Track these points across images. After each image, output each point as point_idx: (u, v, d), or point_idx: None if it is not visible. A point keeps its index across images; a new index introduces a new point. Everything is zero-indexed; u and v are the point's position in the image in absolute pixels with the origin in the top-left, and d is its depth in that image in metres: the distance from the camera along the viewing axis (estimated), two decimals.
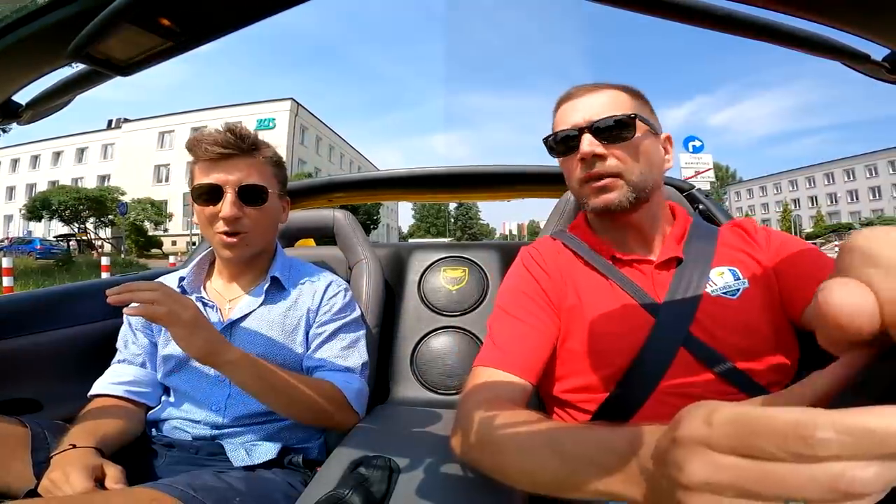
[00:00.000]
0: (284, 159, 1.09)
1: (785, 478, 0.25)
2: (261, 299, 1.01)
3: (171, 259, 15.49)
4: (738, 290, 0.73)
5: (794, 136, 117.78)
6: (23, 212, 25.80)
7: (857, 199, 47.82)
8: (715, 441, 0.27)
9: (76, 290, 1.23)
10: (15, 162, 39.51)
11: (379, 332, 1.30)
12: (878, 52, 0.35)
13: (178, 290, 1.03)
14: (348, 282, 1.22)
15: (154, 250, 26.05)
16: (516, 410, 0.59)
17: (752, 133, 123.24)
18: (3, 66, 0.38)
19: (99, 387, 0.98)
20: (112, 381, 0.98)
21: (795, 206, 52.67)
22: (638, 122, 0.73)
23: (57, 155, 38.46)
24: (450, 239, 45.02)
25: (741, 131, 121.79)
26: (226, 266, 1.06)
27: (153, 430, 0.98)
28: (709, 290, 0.73)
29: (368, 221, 30.50)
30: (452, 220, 63.00)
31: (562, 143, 0.78)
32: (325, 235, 1.50)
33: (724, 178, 61.95)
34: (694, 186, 1.48)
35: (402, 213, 66.03)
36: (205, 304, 1.02)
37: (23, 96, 0.42)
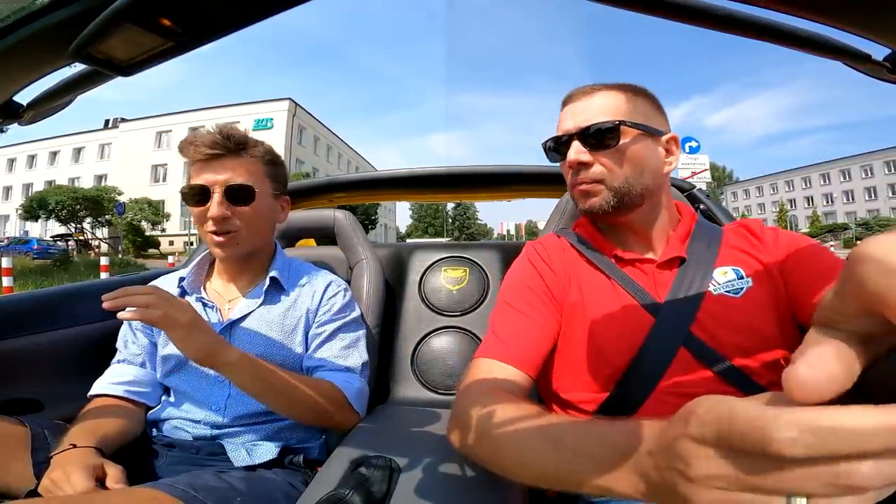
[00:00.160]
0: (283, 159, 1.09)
1: (783, 472, 0.25)
2: (260, 299, 1.01)
3: (170, 259, 15.43)
4: (741, 288, 0.73)
5: (791, 136, 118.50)
6: (19, 212, 25.72)
7: (853, 199, 47.95)
8: (711, 436, 0.28)
9: (76, 291, 1.23)
10: (11, 162, 39.34)
11: (379, 332, 1.30)
12: (879, 52, 0.35)
13: (178, 290, 1.04)
14: (349, 282, 1.22)
15: (151, 250, 25.95)
16: (516, 403, 0.58)
17: (749, 133, 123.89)
18: (4, 66, 0.38)
19: (99, 387, 0.97)
20: (112, 381, 0.98)
21: (792, 207, 52.82)
22: (625, 128, 0.73)
23: (54, 155, 38.30)
24: (447, 239, 45.04)
25: (738, 132, 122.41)
26: (224, 266, 1.06)
27: (153, 430, 0.98)
28: (711, 288, 0.73)
29: (366, 221, 30.49)
30: (450, 220, 63.03)
31: (555, 149, 0.80)
32: (325, 235, 1.50)
33: (721, 178, 62.17)
34: (695, 186, 1.49)
35: (400, 213, 66.08)
36: (205, 305, 1.01)
37: (24, 96, 0.42)
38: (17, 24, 0.35)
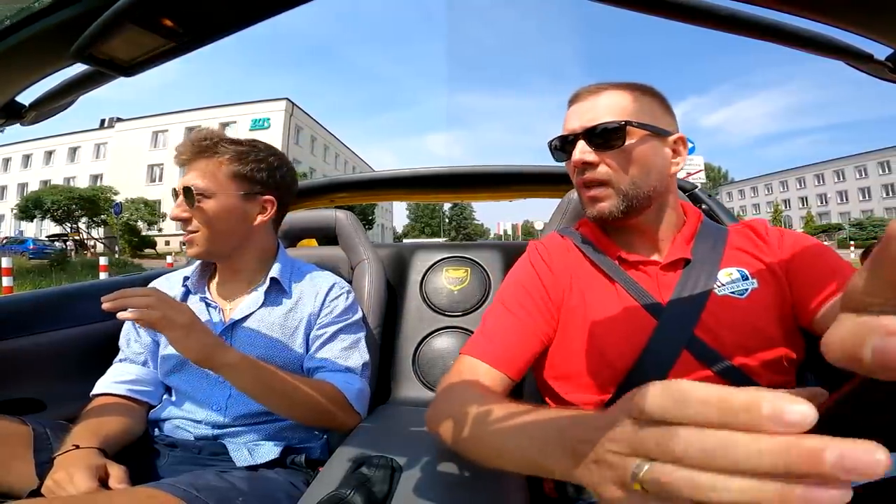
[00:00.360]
0: None
1: (645, 432, 0.27)
2: (261, 300, 1.01)
3: (169, 259, 15.36)
4: (746, 290, 0.72)
5: (787, 136, 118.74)
6: (15, 211, 25.60)
7: (846, 199, 48.12)
8: (627, 407, 0.31)
9: (76, 291, 1.24)
10: (6, 161, 39.10)
11: (381, 332, 1.30)
12: (880, 52, 0.35)
13: (182, 289, 1.04)
14: (350, 282, 1.22)
15: (147, 250, 25.86)
16: (488, 397, 0.62)
17: (744, 134, 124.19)
18: (6, 66, 0.38)
19: (101, 386, 0.98)
20: (114, 380, 0.98)
21: (786, 207, 52.91)
22: (631, 129, 0.72)
23: (49, 154, 38.08)
24: (444, 239, 45.01)
25: (734, 132, 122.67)
26: (220, 266, 1.06)
27: (155, 429, 0.98)
28: (716, 290, 0.73)
29: (364, 221, 30.24)
30: (447, 220, 63.02)
31: (560, 149, 0.79)
32: (326, 236, 1.50)
33: (717, 178, 62.26)
34: (697, 186, 1.48)
35: (397, 213, 66.09)
36: (208, 305, 1.02)
37: (26, 97, 0.42)
38: (19, 25, 0.35)
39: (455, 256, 1.54)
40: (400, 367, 1.40)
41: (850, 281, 0.25)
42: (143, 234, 26.99)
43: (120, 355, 1.04)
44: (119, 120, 36.89)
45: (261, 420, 0.95)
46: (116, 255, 20.28)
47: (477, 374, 0.72)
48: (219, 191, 0.96)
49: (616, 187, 0.74)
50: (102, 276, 9.28)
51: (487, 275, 1.49)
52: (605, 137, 0.72)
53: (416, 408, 1.17)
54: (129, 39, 0.33)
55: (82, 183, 31.91)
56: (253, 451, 0.91)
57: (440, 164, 1.97)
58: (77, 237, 23.96)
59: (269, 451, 0.92)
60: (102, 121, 37.93)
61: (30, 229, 31.48)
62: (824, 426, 0.24)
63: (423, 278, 1.52)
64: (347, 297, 1.07)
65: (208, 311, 1.01)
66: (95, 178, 34.84)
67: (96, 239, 25.21)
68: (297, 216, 1.46)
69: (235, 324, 0.99)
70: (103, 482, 0.75)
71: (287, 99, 34.61)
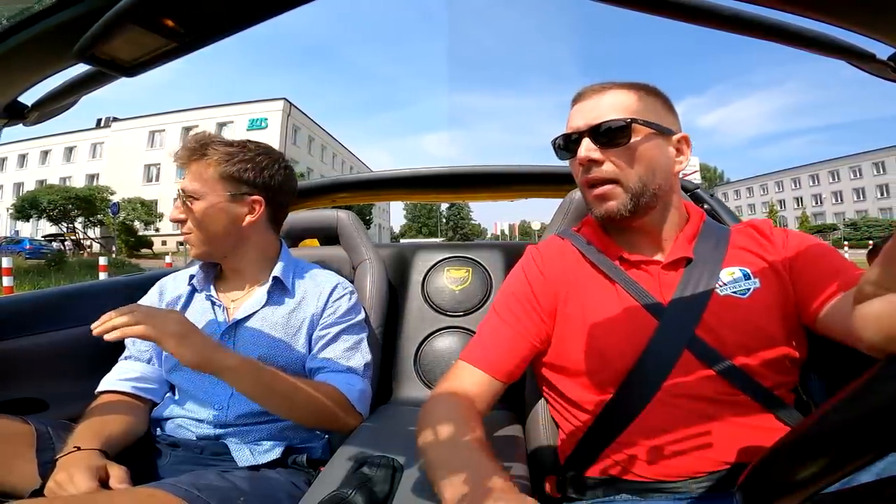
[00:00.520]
0: None
1: None
2: (264, 300, 1.01)
3: (167, 259, 15.32)
4: (748, 289, 0.72)
5: (783, 137, 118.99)
6: (10, 211, 25.50)
7: (841, 200, 48.30)
8: None
9: (76, 291, 1.25)
10: (2, 161, 38.94)
11: (382, 332, 1.31)
12: (883, 51, 0.35)
13: (188, 287, 1.06)
14: (352, 282, 1.22)
15: (144, 250, 25.78)
16: (460, 419, 0.69)
17: (740, 134, 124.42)
18: (8, 67, 0.38)
19: (106, 383, 0.99)
20: (119, 378, 0.99)
21: (781, 207, 53.02)
22: (637, 126, 0.72)
23: (45, 154, 37.89)
24: (441, 239, 44.99)
25: (730, 132, 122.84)
26: (222, 265, 1.07)
27: (157, 429, 0.99)
28: (718, 289, 0.72)
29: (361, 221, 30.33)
30: (444, 221, 62.99)
31: (564, 147, 0.79)
32: (328, 235, 1.50)
33: (713, 179, 62.42)
34: (698, 186, 1.49)
35: (394, 213, 66.02)
36: (213, 303, 1.02)
37: (28, 97, 0.42)
38: (21, 26, 0.35)
39: (457, 256, 1.54)
40: (401, 367, 1.40)
41: (863, 276, 0.25)
42: (140, 234, 26.92)
43: (125, 352, 1.05)
44: (116, 119, 36.74)
45: (262, 420, 0.95)
46: (113, 255, 20.21)
47: (470, 380, 0.77)
48: (208, 192, 0.97)
49: (624, 185, 0.74)
50: (102, 276, 9.23)
51: (489, 275, 1.49)
52: (610, 135, 0.72)
53: (418, 408, 1.17)
54: (131, 40, 0.33)
55: (79, 183, 31.73)
56: (255, 450, 0.91)
57: (436, 165, 1.97)
58: (73, 237, 23.88)
59: (270, 450, 0.92)
60: (99, 120, 37.79)
61: (26, 229, 31.34)
62: None
63: (424, 278, 1.52)
64: (350, 298, 1.07)
65: (213, 309, 1.01)
66: (92, 177, 34.70)
67: (93, 239, 25.13)
68: (299, 216, 1.47)
69: (238, 323, 0.99)
70: (104, 483, 0.75)
71: (285, 99, 34.53)
